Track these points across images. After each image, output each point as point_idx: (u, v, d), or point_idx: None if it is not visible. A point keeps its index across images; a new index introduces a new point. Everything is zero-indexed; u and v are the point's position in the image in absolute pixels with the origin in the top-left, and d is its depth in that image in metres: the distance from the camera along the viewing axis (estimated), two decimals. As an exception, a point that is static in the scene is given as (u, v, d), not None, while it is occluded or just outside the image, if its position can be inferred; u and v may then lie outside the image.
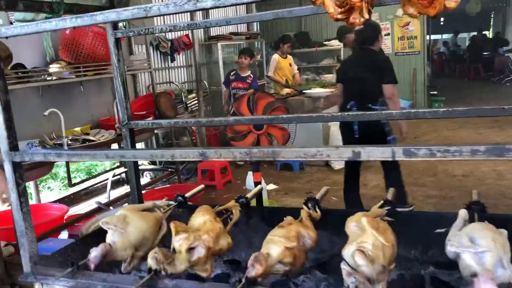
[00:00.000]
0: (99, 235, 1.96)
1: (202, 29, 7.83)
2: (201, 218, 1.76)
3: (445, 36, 21.91)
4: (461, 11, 13.36)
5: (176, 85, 6.90)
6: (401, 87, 8.66)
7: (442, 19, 19.79)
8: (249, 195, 2.15)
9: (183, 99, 6.58)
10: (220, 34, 8.32)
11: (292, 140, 3.57)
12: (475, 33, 16.71)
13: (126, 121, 2.13)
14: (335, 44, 9.15)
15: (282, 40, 7.68)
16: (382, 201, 1.90)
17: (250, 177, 4.91)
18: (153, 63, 6.73)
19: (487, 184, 5.20)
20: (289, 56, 7.70)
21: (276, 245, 1.53)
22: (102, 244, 1.67)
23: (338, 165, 6.22)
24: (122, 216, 1.78)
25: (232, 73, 6.61)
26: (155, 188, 5.26)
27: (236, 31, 8.98)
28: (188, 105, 6.56)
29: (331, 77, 8.29)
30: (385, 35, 9.43)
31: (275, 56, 7.52)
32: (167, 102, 6.01)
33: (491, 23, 21.85)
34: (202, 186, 2.37)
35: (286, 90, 7.01)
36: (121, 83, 2.10)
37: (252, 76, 6.56)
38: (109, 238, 1.72)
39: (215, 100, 8.05)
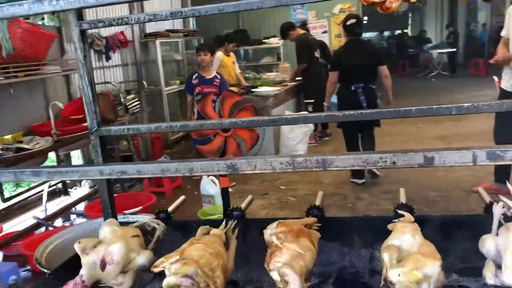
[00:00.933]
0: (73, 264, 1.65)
1: (136, 27, 7.38)
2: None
3: (369, 34, 22.75)
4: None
5: (114, 85, 6.43)
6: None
7: (365, 18, 20.52)
8: (243, 205, 1.91)
9: (122, 100, 6.15)
10: (157, 31, 7.91)
11: (261, 141, 3.37)
12: (400, 31, 17.47)
13: (95, 127, 1.81)
14: (274, 42, 9.07)
15: (226, 38, 7.46)
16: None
17: (205, 182, 4.65)
18: (88, 62, 6.21)
19: (437, 176, 5.31)
20: (232, 54, 7.49)
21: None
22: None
23: (289, 164, 6.11)
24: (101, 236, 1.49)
25: (194, 77, 5.30)
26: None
27: (172, 28, 8.62)
28: (129, 107, 6.14)
29: (274, 75, 8.18)
30: (322, 32, 9.50)
31: (219, 54, 7.27)
32: (107, 104, 5.58)
33: (409, 23, 23.04)
34: (183, 197, 2.10)
35: (233, 89, 6.79)
36: (89, 83, 1.78)
37: (219, 76, 5.29)
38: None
39: (155, 101, 7.65)
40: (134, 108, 6.22)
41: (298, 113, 6.19)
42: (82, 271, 1.43)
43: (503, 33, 4.38)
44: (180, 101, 8.22)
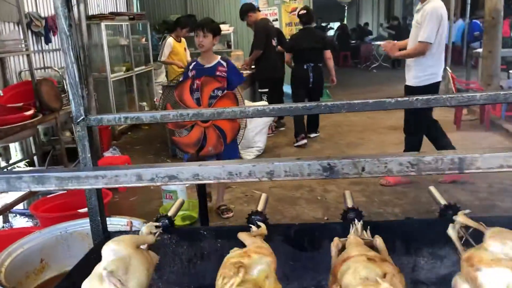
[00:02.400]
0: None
1: (80, 7, 6.76)
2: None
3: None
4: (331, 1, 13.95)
5: (56, 71, 5.85)
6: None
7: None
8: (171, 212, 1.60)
9: (66, 87, 5.60)
10: (101, 13, 7.33)
11: (242, 133, 3.09)
12: (341, 23, 17.67)
13: (82, 116, 1.46)
14: (225, 28, 8.72)
15: (178, 23, 7.02)
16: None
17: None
18: (26, 44, 5.58)
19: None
20: (184, 40, 7.08)
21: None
22: None
23: (249, 155, 5.87)
24: (124, 259, 1.16)
25: (191, 65, 3.68)
26: (47, 197, 4.31)
27: (114, 10, 8.04)
28: (74, 95, 5.58)
29: (226, 62, 7.84)
30: (273, 20, 9.28)
31: (170, 40, 6.84)
32: (50, 91, 5.05)
33: (346, 15, 23.46)
34: (181, 199, 1.78)
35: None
36: (75, 60, 1.42)
37: (224, 63, 3.62)
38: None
39: (99, 89, 7.08)
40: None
41: (258, 103, 5.95)
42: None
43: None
44: (126, 89, 7.69)
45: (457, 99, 1.33)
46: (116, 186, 0.86)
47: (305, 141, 6.39)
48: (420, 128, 4.70)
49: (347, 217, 1.52)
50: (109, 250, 1.18)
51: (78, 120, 1.46)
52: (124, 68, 7.42)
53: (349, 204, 1.59)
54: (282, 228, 1.58)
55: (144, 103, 8.22)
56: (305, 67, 6.32)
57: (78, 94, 1.44)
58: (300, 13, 6.54)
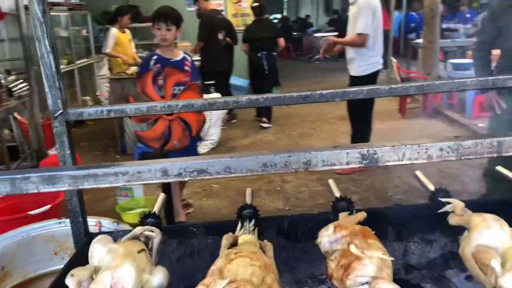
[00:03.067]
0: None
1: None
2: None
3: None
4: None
5: (-8, 64, 5.45)
6: (239, 66, 8.58)
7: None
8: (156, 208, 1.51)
9: (2, 81, 5.23)
10: (37, 3, 6.89)
11: (207, 125, 3.01)
12: (283, 15, 17.79)
13: (61, 110, 1.35)
14: (170, 19, 8.50)
15: (118, 12, 6.75)
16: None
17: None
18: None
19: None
20: (128, 31, 6.82)
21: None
22: None
23: (203, 148, 5.77)
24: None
25: (153, 58, 3.27)
26: (-8, 199, 4.01)
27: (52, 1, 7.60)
28: (13, 90, 5.23)
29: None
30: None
31: (114, 31, 6.57)
32: (-14, 87, 4.70)
33: (285, 7, 23.68)
34: (163, 195, 1.69)
35: (133, 68, 6.18)
36: (51, 49, 1.31)
37: (189, 58, 3.43)
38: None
39: (39, 82, 6.67)
40: (20, 91, 5.32)
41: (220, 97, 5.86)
42: (93, 313, 1.01)
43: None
44: (68, 83, 7.32)
45: (449, 85, 1.36)
46: (139, 183, 0.79)
47: (270, 125, 6.96)
48: (367, 115, 4.91)
49: (338, 207, 1.50)
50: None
51: (56, 115, 1.34)
52: (65, 61, 7.06)
53: (336, 193, 1.58)
54: (274, 220, 1.54)
55: (87, 97, 7.87)
56: (259, 55, 6.80)
57: (55, 86, 1.33)
58: (253, 5, 7.06)
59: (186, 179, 0.79)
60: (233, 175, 0.79)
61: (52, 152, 5.52)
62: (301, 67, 14.22)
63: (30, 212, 3.31)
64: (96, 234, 1.54)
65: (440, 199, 1.41)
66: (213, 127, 5.78)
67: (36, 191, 0.77)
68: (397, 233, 1.55)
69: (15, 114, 5.46)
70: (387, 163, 0.78)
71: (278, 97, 1.38)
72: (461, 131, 5.99)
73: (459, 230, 1.36)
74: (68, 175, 0.78)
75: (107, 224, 2.19)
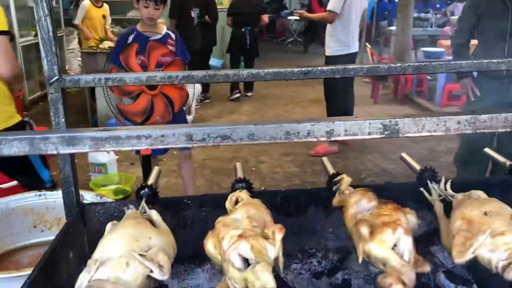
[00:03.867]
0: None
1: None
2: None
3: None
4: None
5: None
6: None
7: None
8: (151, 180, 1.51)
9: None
10: (4, -31, 6.58)
11: (191, 101, 2.99)
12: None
13: (56, 76, 1.31)
14: (144, -6, 8.30)
15: (95, -16, 6.54)
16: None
17: (96, 148, 4.07)
18: None
19: (325, 138, 5.48)
20: (106, 6, 6.62)
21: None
22: None
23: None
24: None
25: (130, 36, 3.01)
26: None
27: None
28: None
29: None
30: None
31: (85, 3, 6.38)
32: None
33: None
34: (157, 168, 1.67)
35: (107, 43, 6.03)
36: (48, 12, 1.26)
37: (172, 35, 3.18)
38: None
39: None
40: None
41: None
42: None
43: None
44: (36, 56, 7.06)
45: (446, 66, 1.39)
46: (162, 147, 0.78)
47: (238, 94, 7.47)
48: (341, 95, 4.98)
49: (333, 183, 1.53)
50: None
51: (52, 81, 1.30)
52: (33, 33, 6.80)
53: (330, 171, 1.61)
54: (267, 195, 1.56)
55: (56, 72, 7.62)
56: (243, 30, 7.14)
57: (51, 51, 1.29)
58: None
59: (209, 144, 0.79)
60: (256, 142, 0.79)
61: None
62: (274, 49, 14.16)
63: (1, 186, 3.22)
64: (89, 205, 1.52)
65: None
66: (192, 105, 5.73)
67: (55, 152, 0.76)
68: (386, 210, 1.59)
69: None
70: (407, 135, 0.80)
71: (279, 72, 1.38)
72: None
73: (446, 208, 1.42)
74: (90, 137, 0.76)
75: (90, 197, 2.16)
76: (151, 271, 1.00)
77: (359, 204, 1.31)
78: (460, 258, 1.09)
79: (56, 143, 0.75)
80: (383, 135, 0.80)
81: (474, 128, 0.81)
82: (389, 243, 1.08)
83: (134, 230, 1.12)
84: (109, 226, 1.18)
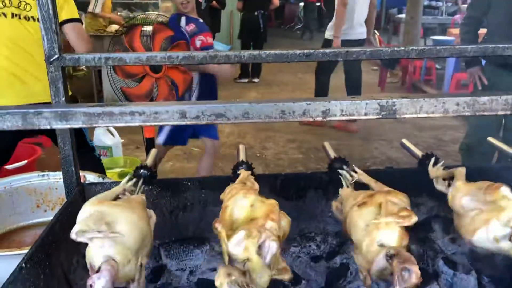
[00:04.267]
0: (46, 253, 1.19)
1: None
2: (244, 201, 1.17)
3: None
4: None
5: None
6: (220, 32, 8.45)
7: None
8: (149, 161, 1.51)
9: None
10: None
11: (195, 85, 2.98)
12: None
13: (57, 54, 1.30)
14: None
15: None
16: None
17: (101, 132, 4.10)
18: None
19: (331, 126, 5.45)
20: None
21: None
22: (105, 264, 0.97)
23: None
24: (97, 214, 1.06)
25: (184, 20, 3.01)
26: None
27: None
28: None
29: (154, 15, 7.45)
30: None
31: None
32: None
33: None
34: (154, 150, 1.67)
35: (114, 27, 6.01)
36: (48, -11, 1.25)
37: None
38: (98, 253, 1.01)
39: None
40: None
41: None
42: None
43: None
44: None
45: (450, 50, 1.37)
46: (155, 124, 0.77)
47: (246, 80, 7.63)
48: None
49: (334, 167, 1.52)
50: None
51: (52, 59, 1.30)
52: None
53: (332, 154, 1.59)
54: (268, 178, 1.56)
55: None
56: (255, 13, 7.32)
57: (51, 29, 1.28)
58: None
59: (203, 122, 0.78)
60: (250, 120, 0.78)
61: None
62: (282, 36, 14.08)
63: (7, 166, 3.24)
64: (88, 185, 1.53)
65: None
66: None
67: (48, 127, 0.75)
68: (386, 195, 1.58)
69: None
70: (404, 116, 0.79)
71: (281, 54, 1.37)
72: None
73: (445, 194, 1.41)
74: (83, 112, 0.76)
75: (92, 178, 2.16)
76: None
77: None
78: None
79: (49, 118, 0.75)
80: (380, 116, 0.79)
81: (473, 111, 0.79)
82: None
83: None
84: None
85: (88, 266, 0.99)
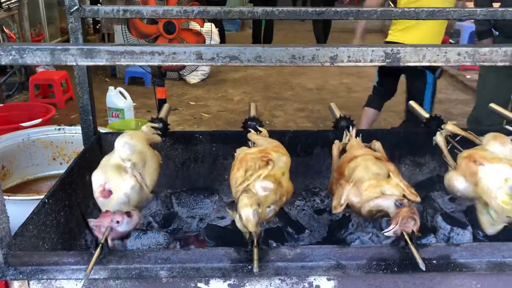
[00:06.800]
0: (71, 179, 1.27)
1: None
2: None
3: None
4: None
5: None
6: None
7: None
8: (162, 115, 1.58)
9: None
10: None
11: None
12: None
13: (77, 5, 1.35)
14: None
15: None
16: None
17: (113, 94, 4.16)
18: None
19: (341, 96, 5.48)
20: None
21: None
22: (129, 213, 1.03)
23: (194, 79, 5.76)
24: (141, 154, 1.14)
25: None
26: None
27: None
28: (1, 1, 5.05)
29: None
30: None
31: None
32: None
33: None
34: (167, 105, 1.73)
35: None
36: None
37: None
38: (123, 187, 1.09)
39: (26, -3, 6.43)
40: (9, 2, 5.13)
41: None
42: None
43: None
44: (59, 0, 7.07)
45: (459, 13, 1.40)
46: (174, 63, 0.83)
47: None
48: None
49: (339, 126, 1.57)
50: (125, 143, 1.15)
51: (72, 10, 1.34)
52: (54, -23, 6.79)
53: (337, 114, 1.64)
54: (276, 134, 1.61)
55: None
56: None
57: (72, -20, 1.32)
58: None
59: (218, 64, 0.83)
60: (263, 64, 0.84)
61: (40, 69, 5.43)
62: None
63: (22, 124, 3.32)
64: (105, 134, 1.60)
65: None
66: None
67: (74, 63, 0.81)
68: (390, 154, 1.63)
69: (4, 28, 5.31)
70: (408, 63, 0.83)
71: (293, 11, 1.40)
72: (450, 81, 6.08)
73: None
74: (106, 50, 0.81)
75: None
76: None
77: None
78: None
79: (75, 54, 0.81)
80: (384, 63, 0.84)
81: (474, 61, 0.84)
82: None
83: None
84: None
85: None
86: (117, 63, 0.82)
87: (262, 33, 7.74)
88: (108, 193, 1.09)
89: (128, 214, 1.01)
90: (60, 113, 4.75)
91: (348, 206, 1.16)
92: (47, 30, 6.67)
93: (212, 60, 0.83)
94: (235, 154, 1.29)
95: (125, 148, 1.14)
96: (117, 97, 4.24)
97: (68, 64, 0.82)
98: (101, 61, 0.82)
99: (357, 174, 1.20)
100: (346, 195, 1.14)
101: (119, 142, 1.15)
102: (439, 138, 1.46)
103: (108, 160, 1.16)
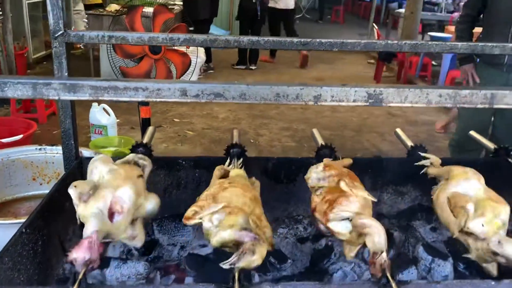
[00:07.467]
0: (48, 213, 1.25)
1: None
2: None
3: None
4: None
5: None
6: (220, 17, 8.46)
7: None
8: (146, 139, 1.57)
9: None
10: None
11: (193, 68, 3.01)
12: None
13: (61, 30, 1.34)
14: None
15: None
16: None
17: (96, 110, 4.12)
18: None
19: (325, 116, 5.52)
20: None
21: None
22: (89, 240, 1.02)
23: (179, 95, 5.74)
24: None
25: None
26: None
27: None
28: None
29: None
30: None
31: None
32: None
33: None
34: (152, 128, 1.71)
35: (115, 6, 6.00)
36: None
37: None
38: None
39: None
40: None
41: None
42: (92, 225, 1.06)
43: None
44: (42, 15, 7.03)
45: (441, 46, 1.43)
46: (158, 100, 0.82)
47: (243, 66, 7.79)
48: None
49: (321, 154, 1.57)
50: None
51: (57, 35, 1.34)
52: (39, -9, 6.76)
53: (319, 141, 1.65)
54: (260, 160, 1.61)
55: (61, 32, 7.60)
56: (253, 0, 7.44)
57: (57, 5, 1.31)
58: None
59: (203, 100, 0.83)
60: (247, 101, 0.84)
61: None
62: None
63: (2, 140, 3.27)
64: (86, 159, 1.57)
65: (420, 153, 1.50)
66: (193, 74, 5.74)
67: (57, 97, 0.80)
68: (372, 182, 1.65)
69: (-14, 41, 5.26)
70: (390, 104, 0.84)
71: (278, 41, 1.42)
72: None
73: (430, 185, 1.47)
74: (90, 85, 0.80)
75: (88, 154, 2.21)
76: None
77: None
78: None
79: (58, 89, 0.80)
80: (367, 103, 0.85)
81: (455, 102, 0.85)
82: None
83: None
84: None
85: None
86: (100, 98, 0.82)
87: (248, 49, 7.78)
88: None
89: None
90: (42, 129, 4.68)
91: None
92: (31, 44, 6.62)
93: (197, 97, 0.83)
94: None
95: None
96: (100, 114, 4.20)
97: (50, 98, 0.81)
98: (84, 96, 0.81)
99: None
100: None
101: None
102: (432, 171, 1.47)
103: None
